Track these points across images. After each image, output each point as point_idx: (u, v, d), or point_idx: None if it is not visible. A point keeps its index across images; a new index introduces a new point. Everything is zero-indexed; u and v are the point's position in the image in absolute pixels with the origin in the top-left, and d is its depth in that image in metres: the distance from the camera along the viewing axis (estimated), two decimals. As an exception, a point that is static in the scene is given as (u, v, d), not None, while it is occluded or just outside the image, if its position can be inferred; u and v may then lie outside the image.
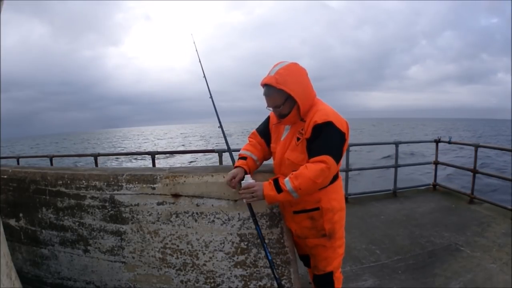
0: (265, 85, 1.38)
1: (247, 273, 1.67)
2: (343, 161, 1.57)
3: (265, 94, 1.40)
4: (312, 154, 1.30)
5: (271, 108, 1.45)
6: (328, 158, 1.26)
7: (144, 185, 1.71)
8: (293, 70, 1.37)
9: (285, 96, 1.36)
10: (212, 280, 1.70)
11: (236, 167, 1.51)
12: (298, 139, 1.41)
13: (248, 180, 1.41)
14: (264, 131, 1.61)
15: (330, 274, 1.59)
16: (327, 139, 1.30)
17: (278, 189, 1.31)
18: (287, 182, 1.29)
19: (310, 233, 1.52)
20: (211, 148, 4.02)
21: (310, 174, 1.25)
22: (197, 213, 1.66)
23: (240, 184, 1.45)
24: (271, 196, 1.32)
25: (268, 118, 1.62)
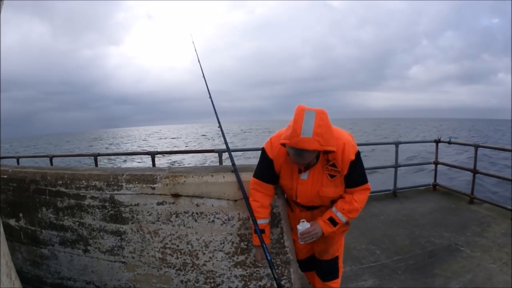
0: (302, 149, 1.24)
1: (247, 273, 1.67)
2: None
3: (300, 155, 1.26)
4: (355, 184, 1.44)
5: (298, 164, 1.35)
6: (368, 185, 1.46)
7: (144, 185, 1.71)
8: (327, 123, 1.26)
9: (317, 151, 1.28)
10: (212, 280, 1.70)
11: (257, 247, 1.54)
12: (332, 176, 1.40)
13: (305, 225, 1.46)
14: (270, 176, 1.49)
15: (337, 259, 1.67)
16: (361, 168, 1.44)
17: (334, 224, 1.45)
18: (341, 217, 1.45)
19: None
20: (211, 148, 4.01)
21: (361, 205, 1.45)
22: (197, 213, 1.66)
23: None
24: (329, 231, 1.47)
25: (270, 160, 1.46)
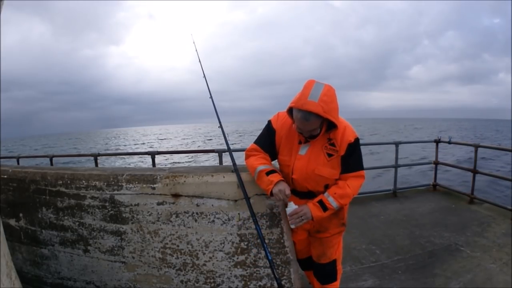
0: (307, 111, 1.29)
1: (247, 273, 1.67)
2: None
3: (305, 119, 1.31)
4: (350, 169, 1.46)
5: (302, 131, 1.38)
6: (363, 172, 1.48)
7: (144, 185, 1.71)
8: (333, 96, 1.33)
9: (321, 120, 1.34)
10: (212, 280, 1.70)
11: (279, 181, 1.43)
12: (330, 155, 1.43)
13: (292, 206, 1.45)
14: (268, 146, 1.54)
15: (335, 262, 1.67)
16: (359, 155, 1.48)
17: (324, 208, 1.44)
18: (332, 202, 1.44)
19: (331, 224, 1.58)
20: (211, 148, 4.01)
21: (354, 191, 1.45)
22: (197, 213, 1.66)
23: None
24: (319, 216, 1.45)
25: (273, 131, 1.52)
